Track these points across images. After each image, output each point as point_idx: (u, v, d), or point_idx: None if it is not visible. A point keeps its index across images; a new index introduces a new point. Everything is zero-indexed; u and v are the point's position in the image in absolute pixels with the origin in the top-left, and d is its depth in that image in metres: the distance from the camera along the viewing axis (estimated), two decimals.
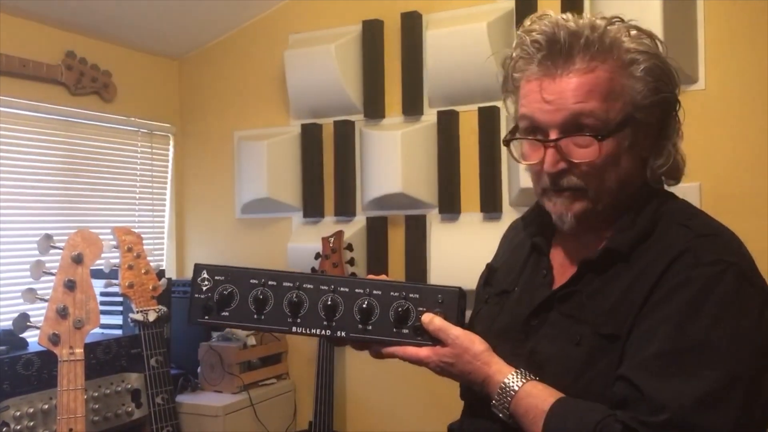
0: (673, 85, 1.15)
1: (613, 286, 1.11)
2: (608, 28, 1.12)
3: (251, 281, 1.22)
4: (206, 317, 1.22)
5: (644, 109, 1.12)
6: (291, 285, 1.21)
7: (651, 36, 1.15)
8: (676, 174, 1.20)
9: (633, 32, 1.13)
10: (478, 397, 1.17)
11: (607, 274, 1.13)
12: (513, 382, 1.10)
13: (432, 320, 1.15)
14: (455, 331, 1.14)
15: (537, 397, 1.08)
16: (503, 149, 2.71)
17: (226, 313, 1.22)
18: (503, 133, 2.70)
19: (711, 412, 0.97)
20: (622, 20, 1.15)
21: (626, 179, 1.15)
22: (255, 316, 1.21)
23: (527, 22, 1.16)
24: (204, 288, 1.23)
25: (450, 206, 2.79)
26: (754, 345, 1.02)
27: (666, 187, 1.23)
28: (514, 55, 1.17)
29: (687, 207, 1.19)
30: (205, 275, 1.23)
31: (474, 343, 1.14)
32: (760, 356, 1.02)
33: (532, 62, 1.13)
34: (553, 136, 1.11)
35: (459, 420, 1.32)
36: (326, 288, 1.21)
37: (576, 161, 1.11)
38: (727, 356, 1.00)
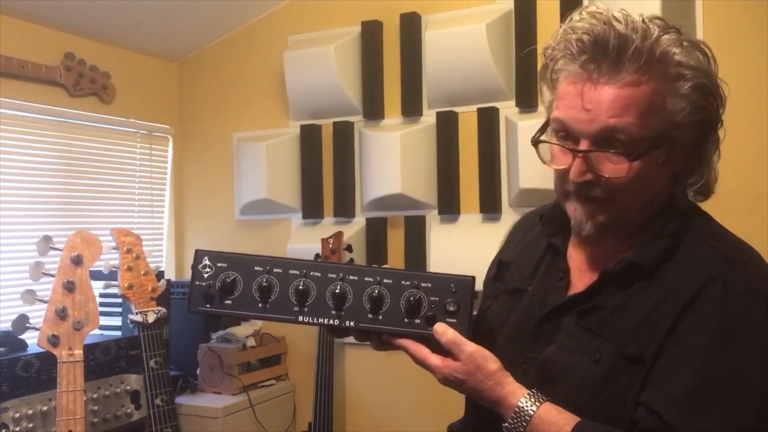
0: (718, 105, 1.10)
1: (637, 303, 1.08)
2: (662, 37, 1.06)
3: (255, 268, 1.17)
4: (207, 305, 1.17)
5: (683, 126, 1.07)
6: (298, 273, 1.16)
7: (704, 51, 1.09)
8: (706, 191, 1.16)
9: (686, 44, 1.07)
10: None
11: (629, 290, 1.10)
12: (527, 407, 1.07)
13: (445, 332, 1.11)
14: (469, 348, 1.10)
15: (553, 423, 1.05)
16: (502, 150, 2.71)
17: (229, 302, 1.17)
18: (502, 133, 2.71)
19: None
20: (678, 30, 1.09)
21: (656, 196, 1.12)
22: (260, 305, 1.16)
23: (575, 16, 1.10)
24: (205, 275, 1.18)
25: (449, 207, 2.79)
26: None
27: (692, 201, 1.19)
28: (556, 49, 1.11)
29: (714, 225, 1.16)
30: (207, 262, 1.18)
31: (488, 362, 1.10)
32: None
33: (575, 62, 1.07)
34: (583, 146, 1.07)
35: (461, 420, 1.31)
36: (335, 276, 1.16)
37: (604, 175, 1.07)
38: (758, 392, 0.99)
